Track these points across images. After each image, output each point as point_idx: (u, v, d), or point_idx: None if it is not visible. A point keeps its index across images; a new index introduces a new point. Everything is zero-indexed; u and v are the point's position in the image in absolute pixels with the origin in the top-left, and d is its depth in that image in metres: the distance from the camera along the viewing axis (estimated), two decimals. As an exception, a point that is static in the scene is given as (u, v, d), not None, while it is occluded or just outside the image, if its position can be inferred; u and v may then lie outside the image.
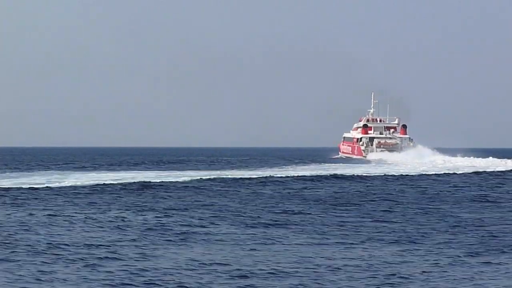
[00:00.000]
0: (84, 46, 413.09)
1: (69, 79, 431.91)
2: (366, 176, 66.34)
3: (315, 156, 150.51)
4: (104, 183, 51.50)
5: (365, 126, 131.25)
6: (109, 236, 25.46)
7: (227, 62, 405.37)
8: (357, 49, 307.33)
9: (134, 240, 24.84)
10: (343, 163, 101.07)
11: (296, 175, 65.27)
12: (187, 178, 58.12)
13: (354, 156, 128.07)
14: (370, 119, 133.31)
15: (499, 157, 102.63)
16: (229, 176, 61.93)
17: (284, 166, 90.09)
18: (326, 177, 62.82)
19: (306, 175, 65.28)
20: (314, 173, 67.89)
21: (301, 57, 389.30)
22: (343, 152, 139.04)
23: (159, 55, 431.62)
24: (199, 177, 59.33)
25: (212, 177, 60.13)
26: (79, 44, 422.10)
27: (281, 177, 62.79)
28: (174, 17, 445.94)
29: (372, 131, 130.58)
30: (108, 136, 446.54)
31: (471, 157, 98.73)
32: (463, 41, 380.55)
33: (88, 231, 26.68)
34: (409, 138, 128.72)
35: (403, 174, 69.75)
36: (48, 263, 20.29)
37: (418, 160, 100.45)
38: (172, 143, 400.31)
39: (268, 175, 64.51)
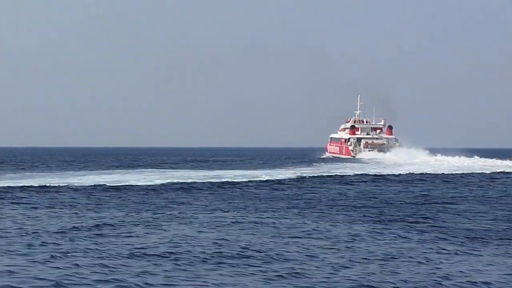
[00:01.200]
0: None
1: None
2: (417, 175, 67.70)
3: (302, 156, 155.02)
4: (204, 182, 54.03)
5: (352, 127, 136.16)
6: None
7: (208, 61, 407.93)
8: (342, 48, 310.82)
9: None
10: (354, 163, 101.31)
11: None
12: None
13: (342, 156, 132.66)
14: (357, 120, 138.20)
15: (483, 157, 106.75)
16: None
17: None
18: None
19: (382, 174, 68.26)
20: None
21: (285, 55, 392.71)
22: (330, 152, 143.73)
23: (139, 55, 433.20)
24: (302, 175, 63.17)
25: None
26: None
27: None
28: (155, 14, 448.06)
29: (359, 132, 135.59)
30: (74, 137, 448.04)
31: (462, 157, 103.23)
32: (450, 41, 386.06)
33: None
34: (395, 138, 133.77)
35: (445, 173, 71.11)
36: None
37: (410, 159, 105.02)
38: (143, 143, 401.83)
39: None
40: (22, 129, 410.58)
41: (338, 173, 68.75)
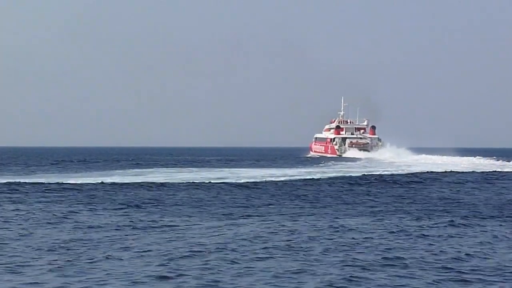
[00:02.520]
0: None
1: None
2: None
3: (288, 155, 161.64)
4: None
5: (337, 127, 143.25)
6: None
7: (191, 60, 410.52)
8: (326, 49, 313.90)
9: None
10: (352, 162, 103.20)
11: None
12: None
13: (328, 155, 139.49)
14: (341, 120, 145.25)
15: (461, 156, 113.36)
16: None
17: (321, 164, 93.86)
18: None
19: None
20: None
21: (267, 55, 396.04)
22: (315, 152, 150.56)
23: (111, 53, 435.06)
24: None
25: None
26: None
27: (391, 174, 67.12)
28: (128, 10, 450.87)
29: (344, 132, 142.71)
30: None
31: (449, 156, 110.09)
32: (436, 41, 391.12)
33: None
34: (378, 138, 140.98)
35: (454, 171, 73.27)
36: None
37: (397, 158, 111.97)
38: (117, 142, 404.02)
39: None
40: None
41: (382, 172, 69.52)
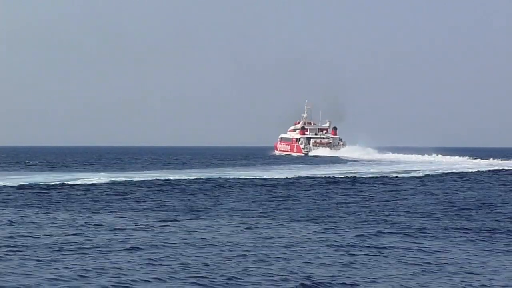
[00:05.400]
0: None
1: None
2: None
3: (252, 155, 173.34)
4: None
5: (302, 128, 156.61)
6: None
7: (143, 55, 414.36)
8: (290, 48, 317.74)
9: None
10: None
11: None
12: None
13: (294, 154, 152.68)
14: (306, 122, 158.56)
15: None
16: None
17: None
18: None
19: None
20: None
21: (220, 55, 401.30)
22: (280, 151, 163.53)
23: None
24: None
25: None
26: None
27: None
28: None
29: (308, 132, 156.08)
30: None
31: (413, 154, 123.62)
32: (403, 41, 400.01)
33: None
34: (339, 138, 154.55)
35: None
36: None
37: (365, 156, 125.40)
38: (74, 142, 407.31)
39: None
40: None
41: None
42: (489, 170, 79.58)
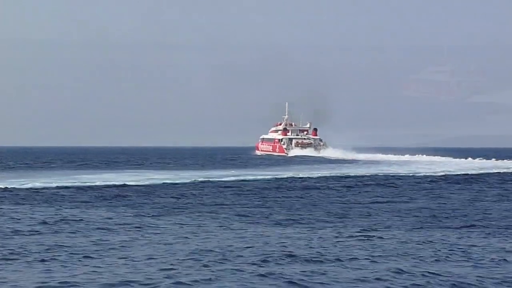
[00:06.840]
0: None
1: None
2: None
3: (234, 155, 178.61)
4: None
5: (284, 129, 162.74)
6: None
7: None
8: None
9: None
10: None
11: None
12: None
13: (275, 154, 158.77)
14: (287, 123, 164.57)
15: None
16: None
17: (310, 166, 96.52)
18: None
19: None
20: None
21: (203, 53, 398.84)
22: (262, 151, 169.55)
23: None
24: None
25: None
26: None
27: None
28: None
29: (290, 133, 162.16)
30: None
31: (389, 154, 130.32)
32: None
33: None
34: (320, 139, 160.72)
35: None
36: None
37: (344, 156, 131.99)
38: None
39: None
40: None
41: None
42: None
